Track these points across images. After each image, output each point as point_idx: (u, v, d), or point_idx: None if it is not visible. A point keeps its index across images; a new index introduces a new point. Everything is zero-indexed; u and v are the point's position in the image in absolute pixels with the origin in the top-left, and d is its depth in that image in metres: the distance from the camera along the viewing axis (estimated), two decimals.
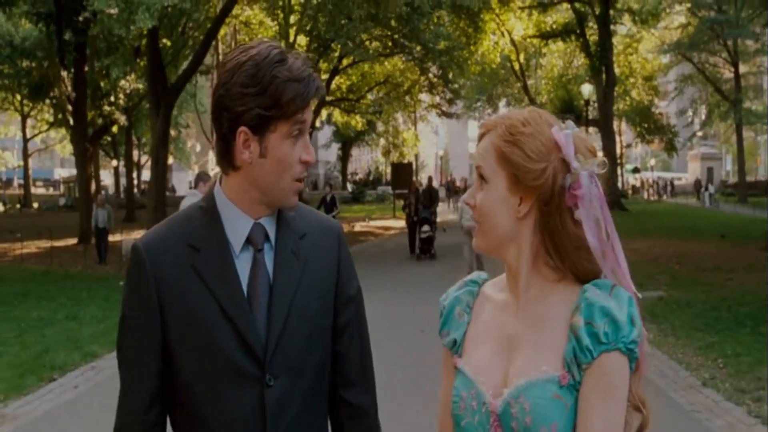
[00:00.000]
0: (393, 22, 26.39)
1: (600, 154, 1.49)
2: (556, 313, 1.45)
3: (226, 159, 1.60)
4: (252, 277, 1.62)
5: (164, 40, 26.38)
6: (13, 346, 8.86)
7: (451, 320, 1.61)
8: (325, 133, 59.94)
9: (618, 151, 59.31)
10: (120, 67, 17.53)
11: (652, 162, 74.86)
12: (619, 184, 53.80)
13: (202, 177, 9.47)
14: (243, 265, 1.62)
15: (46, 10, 22.81)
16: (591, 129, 44.42)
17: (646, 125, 50.85)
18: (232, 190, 1.63)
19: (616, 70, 45.33)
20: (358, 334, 1.77)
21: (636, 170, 68.31)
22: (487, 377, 1.48)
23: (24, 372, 7.68)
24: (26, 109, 46.95)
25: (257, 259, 1.63)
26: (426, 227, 18.16)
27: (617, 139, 57.83)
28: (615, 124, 52.23)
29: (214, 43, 26.15)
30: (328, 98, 34.54)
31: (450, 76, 31.32)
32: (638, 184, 65.19)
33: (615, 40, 42.68)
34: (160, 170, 21.05)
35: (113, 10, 14.44)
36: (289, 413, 1.61)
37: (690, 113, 55.38)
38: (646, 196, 59.41)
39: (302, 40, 31.24)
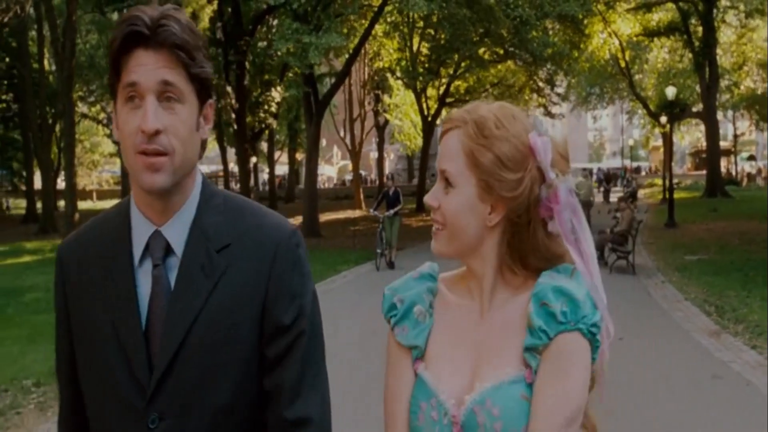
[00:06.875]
0: (504, 33, 30.12)
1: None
2: (518, 316, 1.35)
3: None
4: (153, 296, 1.36)
5: None
6: None
7: (410, 317, 1.43)
8: None
9: (731, 140, 60.49)
10: (294, 88, 23.01)
11: None
12: (732, 172, 55.19)
13: None
14: (145, 282, 1.37)
15: (216, 36, 28.40)
16: (694, 121, 46.43)
17: (764, 112, 51.72)
18: (133, 187, 1.37)
19: (729, 61, 46.95)
20: (293, 370, 1.37)
21: (751, 158, 68.42)
22: (449, 386, 1.36)
23: None
24: None
25: (156, 275, 1.36)
26: None
27: (732, 127, 59.08)
28: (728, 113, 53.65)
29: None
30: (449, 99, 38.73)
31: (556, 80, 34.45)
32: (754, 171, 65.43)
33: (728, 31, 44.30)
34: (313, 167, 26.01)
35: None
36: None
37: None
38: (762, 183, 59.80)
39: (424, 49, 35.65)
